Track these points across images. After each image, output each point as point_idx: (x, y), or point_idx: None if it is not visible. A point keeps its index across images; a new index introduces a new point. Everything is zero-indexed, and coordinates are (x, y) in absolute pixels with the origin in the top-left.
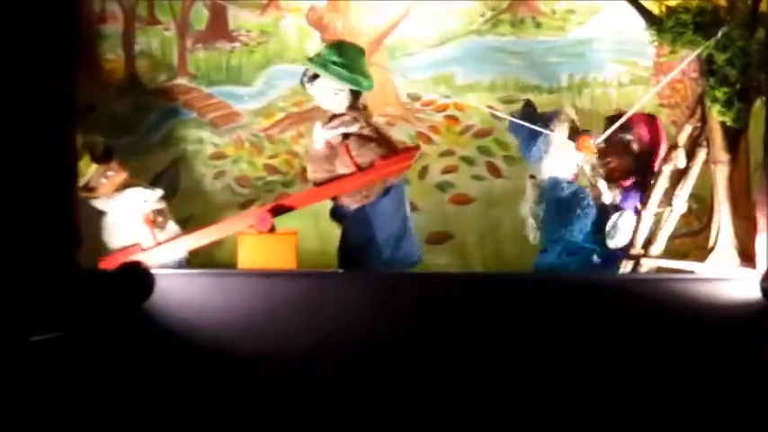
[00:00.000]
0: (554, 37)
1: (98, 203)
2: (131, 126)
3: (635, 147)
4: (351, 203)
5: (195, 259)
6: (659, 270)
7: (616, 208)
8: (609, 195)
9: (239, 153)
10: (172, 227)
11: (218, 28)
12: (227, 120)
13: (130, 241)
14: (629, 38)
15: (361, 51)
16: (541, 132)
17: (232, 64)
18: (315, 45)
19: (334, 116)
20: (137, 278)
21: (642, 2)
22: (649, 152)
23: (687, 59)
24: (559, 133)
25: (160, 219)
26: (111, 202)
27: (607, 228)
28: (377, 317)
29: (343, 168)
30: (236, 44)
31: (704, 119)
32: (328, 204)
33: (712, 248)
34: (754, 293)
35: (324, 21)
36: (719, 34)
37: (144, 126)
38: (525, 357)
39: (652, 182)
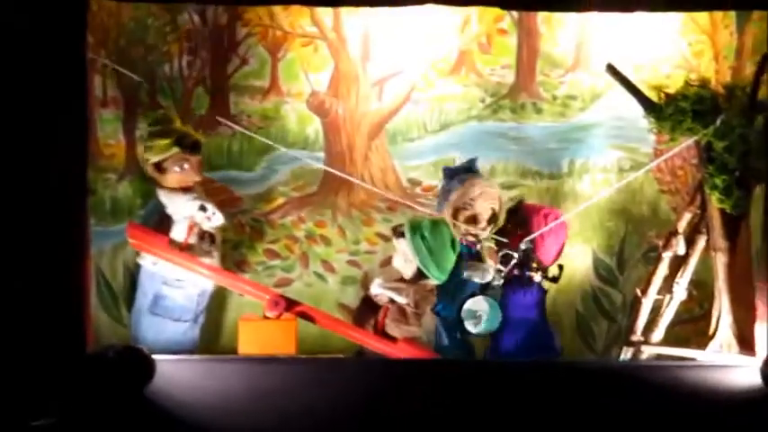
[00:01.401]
0: (555, 122)
1: (162, 194)
2: (132, 210)
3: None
4: None
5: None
6: (660, 357)
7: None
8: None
9: (240, 237)
10: (213, 255)
11: (220, 113)
12: (229, 204)
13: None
14: (629, 124)
15: (453, 249)
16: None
17: (233, 149)
18: (315, 129)
19: (399, 280)
20: (137, 363)
21: (641, 89)
22: (535, 249)
23: (682, 145)
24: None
25: (205, 242)
26: (173, 198)
27: (464, 311)
28: (375, 402)
29: (369, 326)
30: (237, 129)
31: (704, 206)
32: (326, 288)
33: (713, 335)
34: (755, 380)
35: (325, 105)
36: (718, 122)
37: (144, 211)
38: None
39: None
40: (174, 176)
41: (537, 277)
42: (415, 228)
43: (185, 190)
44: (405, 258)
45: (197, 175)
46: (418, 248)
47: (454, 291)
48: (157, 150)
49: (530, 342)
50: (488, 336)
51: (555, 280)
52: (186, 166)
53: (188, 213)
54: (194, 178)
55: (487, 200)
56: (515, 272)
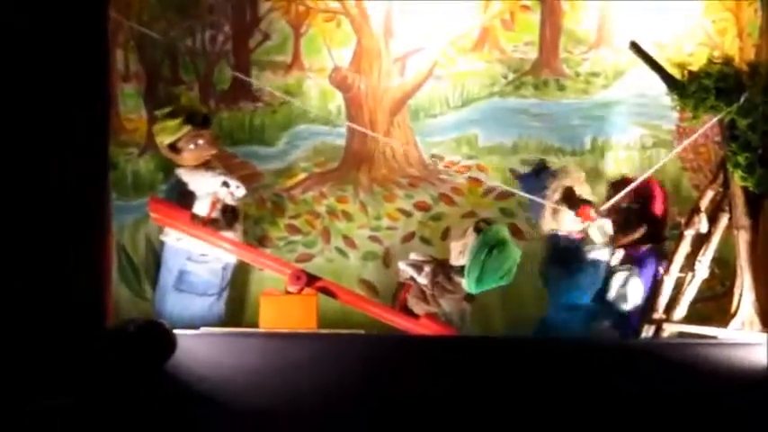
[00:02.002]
0: (577, 99)
1: (182, 173)
2: (153, 185)
3: (645, 214)
4: None
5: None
6: (681, 335)
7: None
8: (610, 257)
9: (261, 213)
10: (237, 229)
11: (242, 88)
12: (250, 180)
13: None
14: (652, 101)
15: (501, 279)
16: (540, 191)
17: (255, 124)
18: (338, 105)
19: (423, 262)
20: (158, 337)
21: (665, 66)
22: (658, 220)
23: (708, 124)
24: (554, 195)
25: (228, 216)
26: (195, 176)
27: (612, 296)
28: (395, 378)
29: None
30: (260, 104)
31: (726, 183)
32: (347, 264)
33: (735, 313)
34: None
35: (348, 81)
36: (741, 100)
37: (165, 186)
38: (546, 421)
39: (665, 249)
40: (190, 154)
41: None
42: (491, 237)
43: (205, 166)
44: (461, 250)
45: (213, 148)
46: (477, 257)
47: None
48: (170, 131)
49: None
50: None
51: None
52: (201, 141)
53: (211, 189)
54: (210, 152)
55: (578, 184)
56: (641, 249)
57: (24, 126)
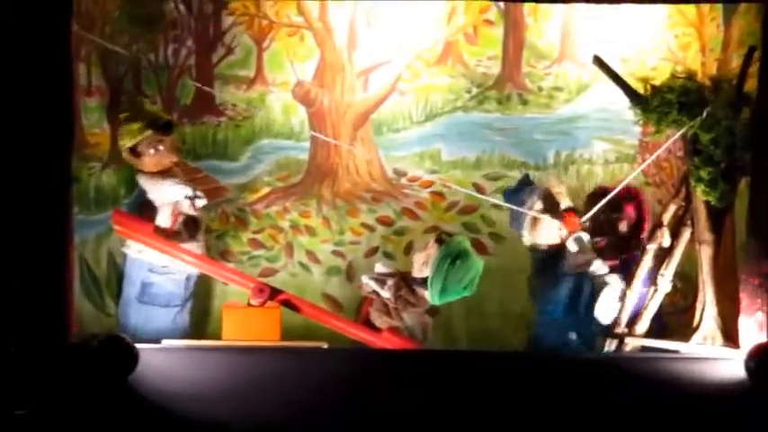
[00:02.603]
0: (540, 114)
1: (142, 180)
2: (116, 199)
3: (622, 225)
4: None
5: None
6: (644, 349)
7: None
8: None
9: (224, 227)
10: (200, 240)
11: (205, 102)
12: (213, 194)
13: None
14: (614, 116)
15: (465, 290)
16: (520, 206)
17: (218, 138)
18: (301, 119)
19: (386, 275)
20: (121, 352)
21: (628, 81)
22: (636, 230)
23: (672, 139)
24: (535, 207)
25: (191, 225)
26: (154, 183)
27: (598, 306)
28: (360, 392)
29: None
30: (223, 118)
31: (689, 198)
32: (310, 279)
33: (697, 327)
34: (739, 373)
35: (311, 95)
36: (704, 114)
37: (128, 200)
38: None
39: (638, 259)
40: (150, 159)
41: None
42: (453, 249)
43: (164, 174)
44: (425, 261)
45: (173, 155)
46: (440, 268)
47: (562, 292)
48: (131, 135)
49: None
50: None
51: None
52: (161, 147)
53: (169, 199)
54: (171, 158)
55: (559, 196)
56: (620, 257)
57: None
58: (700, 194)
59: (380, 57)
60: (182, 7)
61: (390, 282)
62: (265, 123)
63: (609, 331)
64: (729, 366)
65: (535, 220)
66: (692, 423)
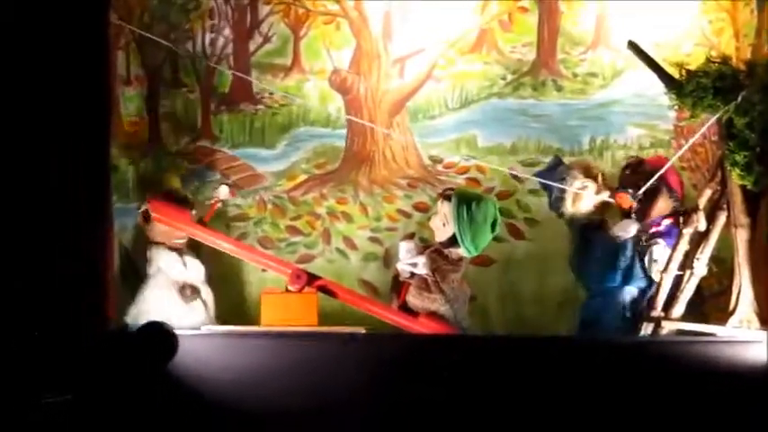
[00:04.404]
0: (575, 100)
1: (152, 250)
2: (155, 188)
3: (665, 191)
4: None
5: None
6: (680, 333)
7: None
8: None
9: (262, 215)
10: (197, 304)
11: (242, 90)
12: (251, 182)
13: (156, 301)
14: (649, 101)
15: (492, 229)
16: (559, 185)
17: (255, 126)
18: (337, 107)
19: (423, 248)
20: (160, 339)
21: (663, 66)
22: (676, 191)
23: (708, 124)
24: (576, 181)
25: (187, 291)
26: (159, 255)
27: (647, 268)
28: (398, 378)
29: (395, 300)
30: (260, 106)
31: (724, 182)
32: (348, 265)
33: (733, 311)
34: None
35: (347, 83)
36: (739, 98)
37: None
38: (545, 419)
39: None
40: (160, 229)
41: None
42: (463, 195)
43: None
44: (443, 221)
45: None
46: (460, 216)
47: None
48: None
49: None
50: None
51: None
52: None
53: (167, 267)
54: (181, 235)
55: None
56: (662, 224)
57: (26, 129)
58: (735, 178)
59: (415, 45)
60: None
61: (422, 260)
62: (302, 111)
63: (645, 315)
64: (765, 349)
65: (577, 195)
66: (729, 406)
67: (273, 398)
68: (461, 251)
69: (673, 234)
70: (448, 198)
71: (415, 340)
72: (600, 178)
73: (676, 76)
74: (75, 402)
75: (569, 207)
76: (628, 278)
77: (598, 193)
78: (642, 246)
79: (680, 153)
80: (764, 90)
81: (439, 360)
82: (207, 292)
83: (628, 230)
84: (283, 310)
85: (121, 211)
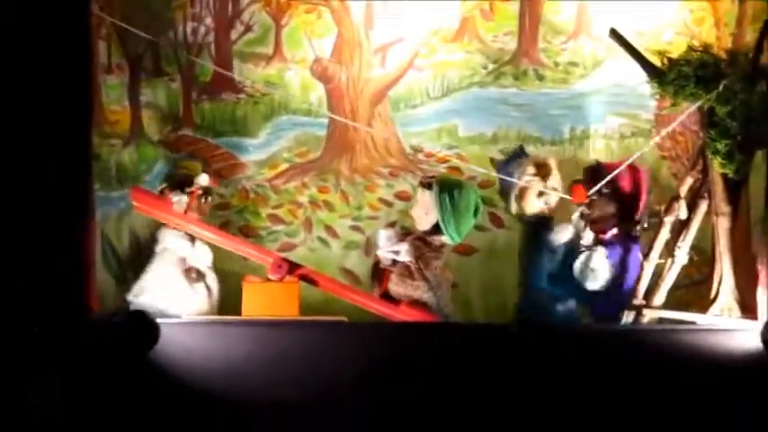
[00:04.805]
0: (556, 89)
1: (161, 230)
2: (137, 176)
3: (616, 198)
4: None
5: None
6: (661, 321)
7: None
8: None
9: (244, 203)
10: (200, 287)
11: (224, 79)
12: (233, 170)
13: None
14: (630, 91)
15: (474, 215)
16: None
17: (237, 115)
18: (319, 96)
19: (404, 236)
20: (142, 327)
21: (644, 54)
22: (630, 203)
23: (686, 112)
24: (524, 177)
25: (193, 275)
26: (167, 235)
27: (576, 270)
28: (379, 366)
29: (377, 288)
30: (242, 95)
31: (705, 171)
32: (329, 254)
33: (714, 299)
34: (756, 344)
35: (328, 72)
36: (721, 87)
37: (149, 177)
38: (527, 408)
39: (634, 233)
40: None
41: (636, 231)
42: (445, 183)
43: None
44: (425, 210)
45: (196, 214)
46: (443, 203)
47: (551, 260)
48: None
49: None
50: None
51: (645, 229)
52: (185, 199)
53: (178, 250)
54: (192, 216)
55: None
56: (610, 231)
57: (6, 118)
58: (716, 167)
59: (397, 33)
60: None
61: (405, 247)
62: (284, 100)
63: (627, 303)
64: (747, 338)
65: (522, 191)
66: (708, 394)
67: (255, 387)
68: (444, 238)
69: (617, 245)
70: (428, 186)
71: (396, 328)
72: (551, 178)
73: (658, 64)
74: (63, 388)
75: (513, 201)
76: (553, 281)
77: (541, 194)
78: (582, 251)
79: (650, 144)
80: (746, 79)
81: (421, 348)
82: (212, 279)
83: (560, 235)
84: (265, 300)
85: (104, 199)
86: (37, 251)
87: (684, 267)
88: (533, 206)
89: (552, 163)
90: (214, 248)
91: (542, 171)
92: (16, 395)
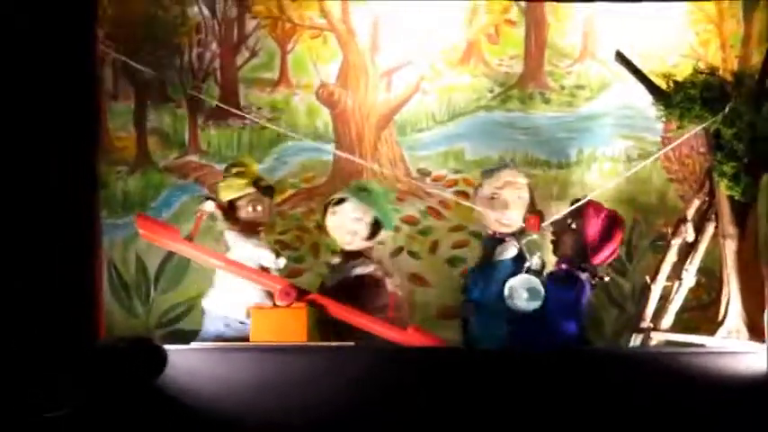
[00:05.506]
0: (563, 112)
1: (229, 235)
2: (143, 203)
3: (576, 236)
4: None
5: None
6: (668, 343)
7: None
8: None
9: None
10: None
11: (230, 105)
12: None
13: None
14: (637, 113)
15: (385, 193)
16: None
17: (243, 141)
18: (325, 121)
19: (349, 256)
20: (149, 354)
21: (650, 77)
22: (586, 247)
23: (689, 133)
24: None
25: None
26: (238, 241)
27: (507, 287)
28: (387, 390)
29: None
30: (248, 121)
31: (712, 193)
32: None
33: (721, 322)
34: (763, 367)
35: (334, 97)
36: (727, 109)
37: (155, 203)
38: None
39: (589, 280)
40: (246, 215)
41: (583, 275)
42: (357, 188)
43: (250, 234)
44: (358, 217)
45: (267, 218)
46: (369, 202)
47: (490, 275)
48: (235, 189)
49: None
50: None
51: (602, 280)
52: (259, 208)
53: (251, 259)
54: (264, 221)
55: (514, 189)
56: (563, 266)
57: (13, 145)
58: (723, 189)
59: (403, 58)
60: (206, 11)
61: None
62: (290, 125)
63: (635, 326)
64: (754, 360)
65: (489, 200)
66: (716, 416)
67: (264, 412)
68: (382, 233)
69: (570, 282)
70: (339, 202)
71: (404, 352)
72: (519, 194)
73: (664, 87)
74: (66, 418)
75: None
76: (478, 298)
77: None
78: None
79: (641, 166)
80: (752, 101)
81: (428, 372)
82: None
83: (502, 254)
84: (273, 326)
85: (111, 226)
86: (44, 278)
87: (692, 290)
88: (489, 219)
89: (524, 184)
90: None
91: (511, 186)
92: (25, 422)
